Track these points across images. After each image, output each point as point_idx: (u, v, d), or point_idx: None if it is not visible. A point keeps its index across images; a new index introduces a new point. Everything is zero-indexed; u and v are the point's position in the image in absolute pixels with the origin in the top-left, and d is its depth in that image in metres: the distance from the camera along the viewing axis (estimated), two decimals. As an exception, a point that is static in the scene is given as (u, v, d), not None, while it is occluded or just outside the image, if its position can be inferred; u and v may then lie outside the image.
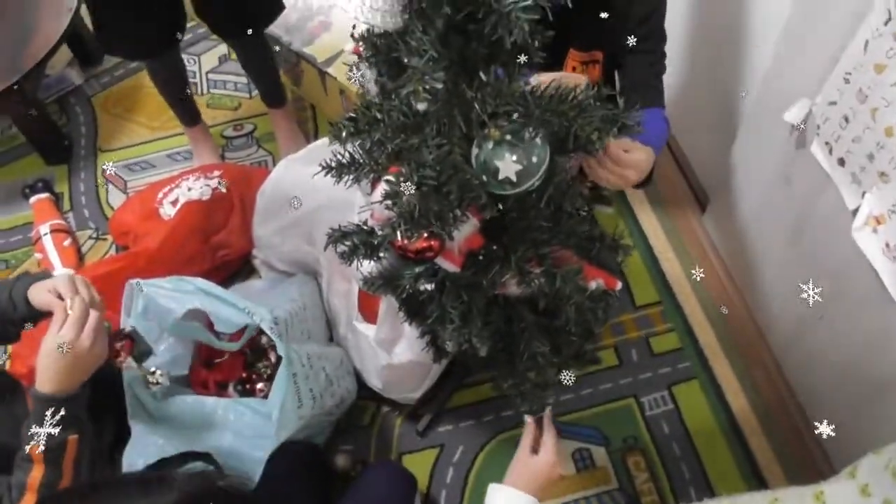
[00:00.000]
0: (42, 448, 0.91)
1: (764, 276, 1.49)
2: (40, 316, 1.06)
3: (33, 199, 1.93)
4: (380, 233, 0.96)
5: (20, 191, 1.96)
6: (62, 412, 0.92)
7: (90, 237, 1.89)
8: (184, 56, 2.13)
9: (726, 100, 1.52)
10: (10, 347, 1.68)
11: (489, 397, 1.55)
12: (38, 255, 1.82)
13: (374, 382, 1.47)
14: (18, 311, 1.06)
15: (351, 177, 1.02)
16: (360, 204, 1.45)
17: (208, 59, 2.21)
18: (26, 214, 1.93)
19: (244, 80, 2.12)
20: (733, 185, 1.54)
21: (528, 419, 1.18)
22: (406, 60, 0.72)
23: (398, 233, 0.89)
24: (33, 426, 0.93)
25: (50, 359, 0.94)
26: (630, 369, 1.57)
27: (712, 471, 1.44)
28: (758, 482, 1.41)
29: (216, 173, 1.74)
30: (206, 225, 1.65)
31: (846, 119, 1.10)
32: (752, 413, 1.50)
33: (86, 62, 2.22)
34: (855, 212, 1.13)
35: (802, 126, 1.22)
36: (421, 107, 0.71)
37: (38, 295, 1.01)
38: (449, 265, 0.98)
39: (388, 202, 0.90)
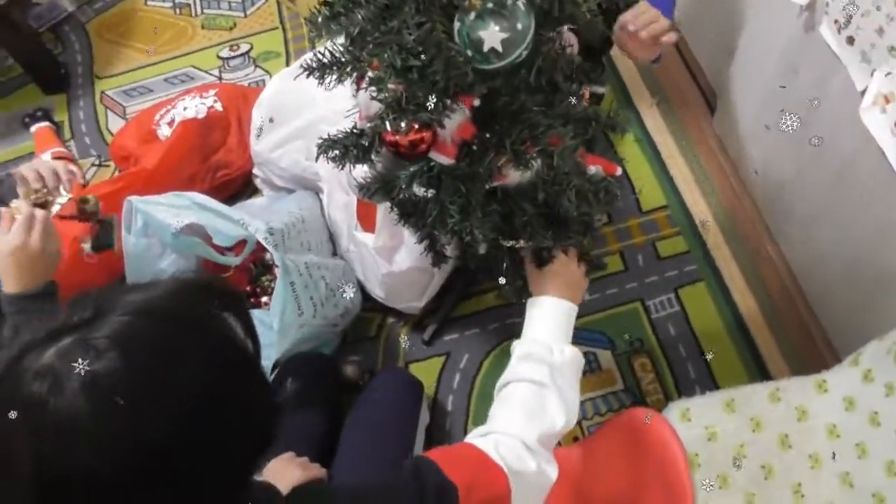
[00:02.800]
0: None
1: (771, 173, 1.45)
2: None
3: (34, 127, 1.92)
4: (369, 126, 0.94)
5: (20, 121, 1.96)
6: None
7: (93, 164, 1.88)
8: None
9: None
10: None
11: (493, 305, 1.55)
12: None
13: (377, 292, 1.47)
14: None
15: (334, 77, 1.00)
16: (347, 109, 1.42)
17: (201, -20, 2.16)
18: (28, 144, 1.93)
19: (239, -1, 2.07)
20: (741, 82, 1.49)
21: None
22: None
23: (387, 123, 0.87)
24: (8, 329, 0.94)
25: (6, 261, 0.97)
26: (636, 274, 1.56)
27: (718, 370, 1.44)
28: (763, 378, 1.40)
29: (211, 92, 1.71)
30: (203, 143, 1.63)
31: (855, -9, 1.05)
32: (759, 311, 1.48)
33: (77, -12, 2.18)
34: (863, 93, 1.09)
35: (809, 5, 1.17)
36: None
37: None
38: (443, 158, 0.96)
39: (373, 91, 0.87)
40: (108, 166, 1.87)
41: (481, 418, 1.43)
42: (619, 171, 1.18)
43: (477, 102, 0.94)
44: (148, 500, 0.54)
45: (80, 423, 0.51)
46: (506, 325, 1.53)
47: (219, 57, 1.98)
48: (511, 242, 1.06)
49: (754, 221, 1.54)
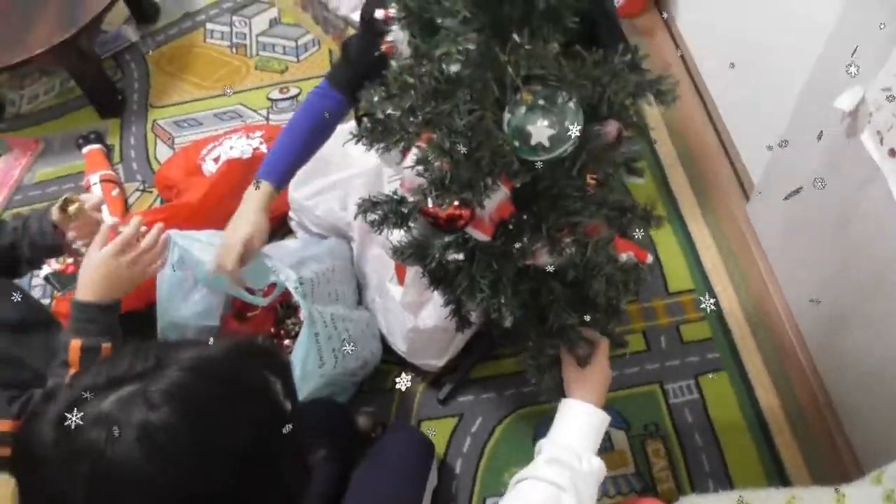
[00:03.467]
0: (82, 343, 0.98)
1: (804, 270, 1.45)
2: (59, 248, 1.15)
3: (86, 149, 1.99)
4: (411, 199, 0.96)
5: (74, 141, 2.03)
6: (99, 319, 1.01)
7: (137, 189, 1.94)
8: (235, 18, 2.17)
9: (776, 86, 1.47)
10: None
11: (512, 372, 1.55)
12: (86, 204, 1.89)
13: (400, 346, 1.49)
14: (47, 240, 1.14)
15: (382, 145, 1.04)
16: (390, 174, 1.46)
17: (259, 22, 2.24)
18: (78, 164, 2.00)
19: (293, 43, 2.14)
20: (779, 174, 1.49)
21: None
22: (439, 21, 0.71)
23: (429, 199, 0.89)
24: (70, 332, 1.00)
25: (93, 270, 1.03)
26: (657, 355, 1.55)
27: (734, 465, 1.41)
28: (781, 482, 1.38)
29: (257, 134, 1.76)
30: (245, 183, 1.66)
31: (901, 109, 1.06)
32: (781, 410, 1.46)
33: (142, 20, 2.27)
34: (903, 206, 1.09)
35: (853, 114, 1.18)
36: (454, 68, 0.71)
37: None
38: (479, 234, 0.98)
39: (420, 168, 0.90)
40: (150, 192, 1.93)
41: (488, 486, 1.42)
42: (650, 259, 1.19)
43: (519, 184, 0.96)
44: None
45: (133, 473, 0.54)
46: (522, 394, 1.53)
47: (268, 98, 2.05)
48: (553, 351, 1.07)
49: (783, 317, 1.53)
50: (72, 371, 0.98)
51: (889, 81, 1.06)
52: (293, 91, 2.05)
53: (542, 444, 1.00)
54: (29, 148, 2.09)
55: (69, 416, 0.56)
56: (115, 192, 1.90)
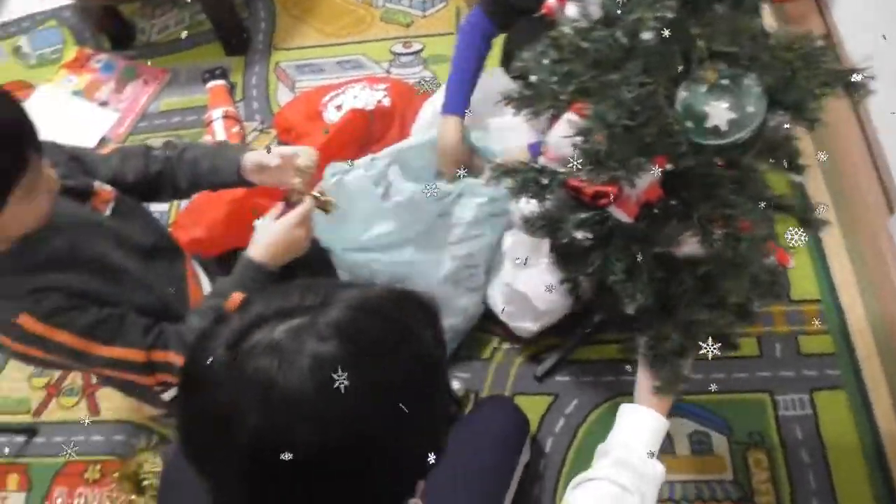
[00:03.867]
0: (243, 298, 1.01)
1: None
2: (230, 185, 1.20)
3: (210, 84, 2.03)
4: (559, 170, 0.92)
5: (200, 75, 2.08)
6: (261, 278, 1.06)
7: (255, 129, 1.97)
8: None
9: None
10: (173, 214, 1.81)
11: (613, 358, 1.50)
12: (207, 138, 1.93)
13: (497, 301, 1.46)
14: (219, 178, 1.17)
15: (530, 110, 0.99)
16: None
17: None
18: (202, 97, 2.04)
19: (422, -2, 2.11)
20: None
21: None
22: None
23: (582, 173, 0.85)
24: (232, 283, 1.05)
25: (275, 236, 1.09)
26: (770, 364, 1.47)
27: (842, 488, 1.33)
28: (891, 510, 1.30)
29: (381, 86, 1.75)
30: (366, 134, 1.67)
31: None
32: (902, 440, 1.37)
33: (274, -40, 2.28)
34: None
35: None
36: (646, 36, 0.66)
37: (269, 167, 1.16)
38: (623, 215, 0.93)
39: (578, 139, 0.86)
40: (268, 133, 1.95)
41: (578, 469, 1.39)
42: (791, 264, 1.12)
43: (670, 166, 0.91)
44: (339, 485, 0.57)
45: (303, 402, 0.54)
46: (621, 382, 1.48)
47: (391, 51, 2.03)
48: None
49: (916, 341, 1.42)
50: None
51: None
52: (416, 46, 2.02)
53: (606, 447, 0.99)
54: (156, 77, 2.15)
55: (241, 339, 0.57)
56: (236, 129, 1.94)
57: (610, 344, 1.52)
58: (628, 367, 1.14)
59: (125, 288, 1.04)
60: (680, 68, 0.72)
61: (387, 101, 1.70)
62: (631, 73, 0.80)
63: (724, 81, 0.73)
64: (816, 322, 1.50)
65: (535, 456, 1.40)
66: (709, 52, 0.71)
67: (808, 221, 0.93)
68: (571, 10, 0.82)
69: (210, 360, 0.57)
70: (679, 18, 0.68)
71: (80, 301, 0.98)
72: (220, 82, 2.03)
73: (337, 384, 0.55)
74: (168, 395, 1.25)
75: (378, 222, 1.41)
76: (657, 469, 0.94)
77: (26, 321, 0.94)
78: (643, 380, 1.04)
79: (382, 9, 2.13)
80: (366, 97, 1.69)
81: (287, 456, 0.54)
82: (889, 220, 1.55)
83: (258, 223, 1.11)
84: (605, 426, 1.41)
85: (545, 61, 0.84)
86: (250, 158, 1.16)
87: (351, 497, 0.57)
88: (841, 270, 1.55)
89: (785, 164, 0.94)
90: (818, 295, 1.53)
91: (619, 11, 0.71)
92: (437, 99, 1.58)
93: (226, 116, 1.92)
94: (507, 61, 1.56)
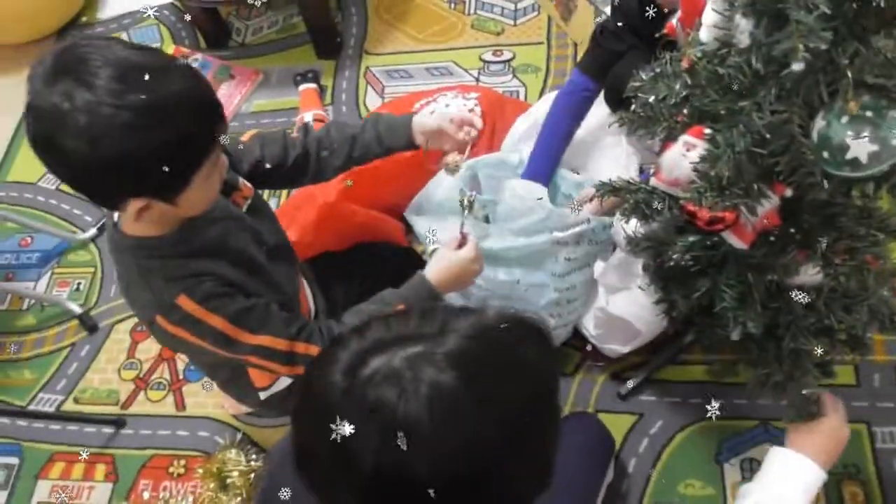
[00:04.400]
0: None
1: None
2: (399, 150, 1.25)
3: (302, 87, 2.08)
4: (680, 195, 0.91)
5: (292, 77, 2.13)
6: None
7: (344, 132, 2.01)
8: (459, -26, 2.15)
9: None
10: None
11: (700, 380, 1.48)
12: (300, 140, 1.98)
13: (588, 326, 1.45)
14: (385, 145, 1.22)
15: (642, 131, 0.99)
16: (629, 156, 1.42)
17: (480, -20, 2.22)
18: (293, 100, 2.09)
19: (512, 5, 2.11)
20: None
21: None
22: (791, 14, 0.65)
23: (702, 199, 0.84)
24: (398, 295, 1.10)
25: (452, 266, 1.12)
26: (868, 393, 1.42)
27: (941, 528, 1.28)
28: None
29: (473, 95, 1.76)
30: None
31: None
32: None
33: (367, -35, 2.32)
34: None
35: None
36: (796, 67, 0.65)
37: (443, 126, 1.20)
38: (737, 241, 0.92)
39: (701, 165, 0.85)
40: (356, 137, 1.99)
41: (661, 492, 1.38)
42: (905, 295, 1.07)
43: (789, 193, 0.89)
44: None
45: (422, 431, 0.55)
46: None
47: (481, 59, 2.04)
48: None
49: None
50: None
51: None
52: (507, 55, 2.02)
53: (749, 488, 0.95)
54: (249, 78, 2.22)
55: (360, 365, 0.58)
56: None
57: (696, 365, 1.49)
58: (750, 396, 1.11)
59: (262, 283, 1.07)
60: (824, 98, 0.70)
61: (478, 111, 1.71)
62: (763, 101, 0.78)
63: (868, 113, 0.71)
64: (919, 353, 1.44)
65: (617, 475, 1.39)
66: (855, 83, 0.69)
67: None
68: (705, 35, 0.81)
69: (328, 384, 0.58)
70: (829, 50, 0.67)
71: (230, 289, 1.01)
72: (312, 85, 2.08)
73: (456, 415, 0.55)
74: (264, 395, 1.28)
75: (498, 234, 1.42)
76: None
77: (185, 302, 0.97)
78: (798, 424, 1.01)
79: (474, 16, 2.14)
80: (458, 105, 1.70)
81: (403, 485, 0.55)
82: None
83: (439, 250, 1.15)
84: (691, 450, 1.41)
85: (669, 84, 0.84)
86: (421, 122, 1.21)
87: None
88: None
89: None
90: (922, 326, 1.47)
91: (767, 39, 0.69)
92: (534, 113, 1.58)
93: (317, 119, 1.97)
94: (611, 96, 1.54)
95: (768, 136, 0.78)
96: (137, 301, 1.02)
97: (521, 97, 1.93)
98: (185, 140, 0.86)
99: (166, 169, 0.84)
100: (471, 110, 1.70)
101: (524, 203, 1.40)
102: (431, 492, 0.55)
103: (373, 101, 2.03)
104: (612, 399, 1.49)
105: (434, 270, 1.11)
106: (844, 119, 0.73)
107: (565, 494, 1.18)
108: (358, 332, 0.62)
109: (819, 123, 0.76)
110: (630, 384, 1.48)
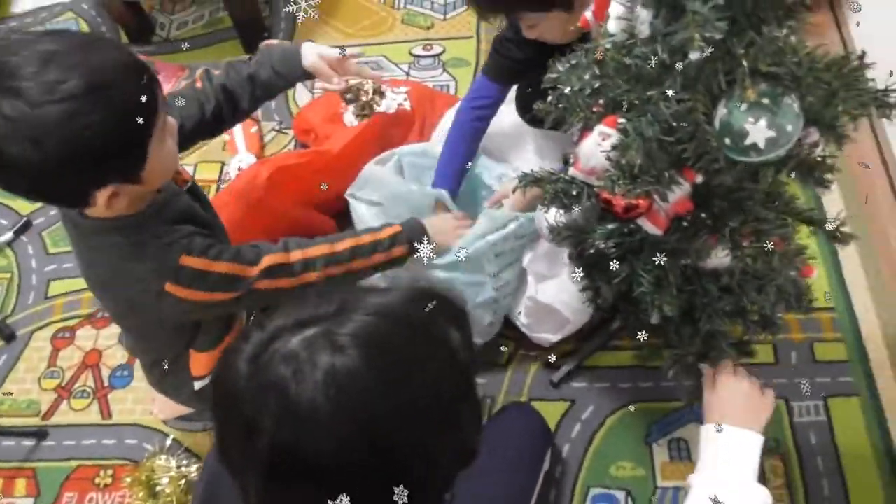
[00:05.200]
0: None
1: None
2: (297, 81, 1.30)
3: (229, 83, 2.04)
4: (594, 183, 0.93)
5: (218, 73, 2.08)
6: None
7: (273, 129, 1.98)
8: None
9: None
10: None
11: (629, 365, 1.52)
12: (225, 137, 1.94)
13: (521, 317, 1.47)
14: (285, 80, 1.26)
15: (558, 122, 1.01)
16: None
17: (407, -25, 2.22)
18: (220, 97, 2.04)
19: (441, 0, 2.12)
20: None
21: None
22: (687, 5, 0.67)
23: (615, 187, 0.86)
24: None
25: (444, 226, 1.34)
26: (786, 371, 1.49)
27: (856, 496, 1.35)
28: (905, 520, 1.32)
29: (402, 89, 1.76)
30: (386, 138, 1.68)
31: None
32: (916, 449, 1.38)
33: (294, -41, 2.29)
34: None
35: None
36: (693, 56, 0.67)
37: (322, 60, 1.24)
38: (653, 228, 0.95)
39: (613, 154, 0.87)
40: (285, 133, 1.97)
41: (594, 475, 1.41)
42: (814, 274, 1.13)
43: (699, 179, 0.92)
44: (360, 492, 0.57)
45: (316, 412, 0.55)
46: (638, 389, 1.50)
47: (411, 53, 2.04)
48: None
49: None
50: None
51: None
52: (437, 49, 2.03)
53: (695, 479, 0.95)
54: (175, 74, 2.16)
55: (262, 352, 0.58)
56: (254, 129, 1.95)
57: (625, 350, 1.54)
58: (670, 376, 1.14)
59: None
60: (722, 86, 0.73)
61: (408, 105, 1.71)
62: (668, 90, 0.81)
63: (765, 100, 0.75)
64: (831, 330, 1.52)
65: (552, 462, 1.42)
66: (751, 71, 0.72)
67: (838, 236, 0.94)
68: (613, 27, 0.83)
69: (235, 374, 0.59)
70: (726, 39, 0.69)
71: (215, 240, 1.07)
72: (240, 81, 2.03)
73: (350, 395, 0.55)
74: (199, 385, 1.26)
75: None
76: (758, 499, 0.91)
77: (188, 260, 1.00)
78: (709, 395, 1.03)
79: (404, 11, 2.14)
80: (387, 100, 1.70)
81: (303, 465, 0.56)
82: (905, 231, 1.56)
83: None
84: (622, 432, 1.45)
85: (581, 75, 0.86)
86: (310, 50, 1.23)
87: None
88: (854, 278, 1.57)
89: (813, 179, 0.96)
90: (833, 303, 1.55)
91: (666, 30, 0.72)
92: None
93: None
94: (521, 105, 1.56)
95: (675, 124, 0.80)
96: (132, 277, 1.01)
97: (452, 91, 1.94)
98: (130, 110, 0.85)
99: (119, 147, 0.85)
100: (400, 105, 1.71)
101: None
102: (334, 471, 0.56)
103: (301, 97, 2.01)
104: (546, 387, 1.52)
105: (426, 220, 1.26)
106: (743, 106, 0.76)
107: (507, 485, 1.20)
108: (261, 324, 0.62)
109: (721, 111, 0.79)
110: (562, 371, 1.51)
